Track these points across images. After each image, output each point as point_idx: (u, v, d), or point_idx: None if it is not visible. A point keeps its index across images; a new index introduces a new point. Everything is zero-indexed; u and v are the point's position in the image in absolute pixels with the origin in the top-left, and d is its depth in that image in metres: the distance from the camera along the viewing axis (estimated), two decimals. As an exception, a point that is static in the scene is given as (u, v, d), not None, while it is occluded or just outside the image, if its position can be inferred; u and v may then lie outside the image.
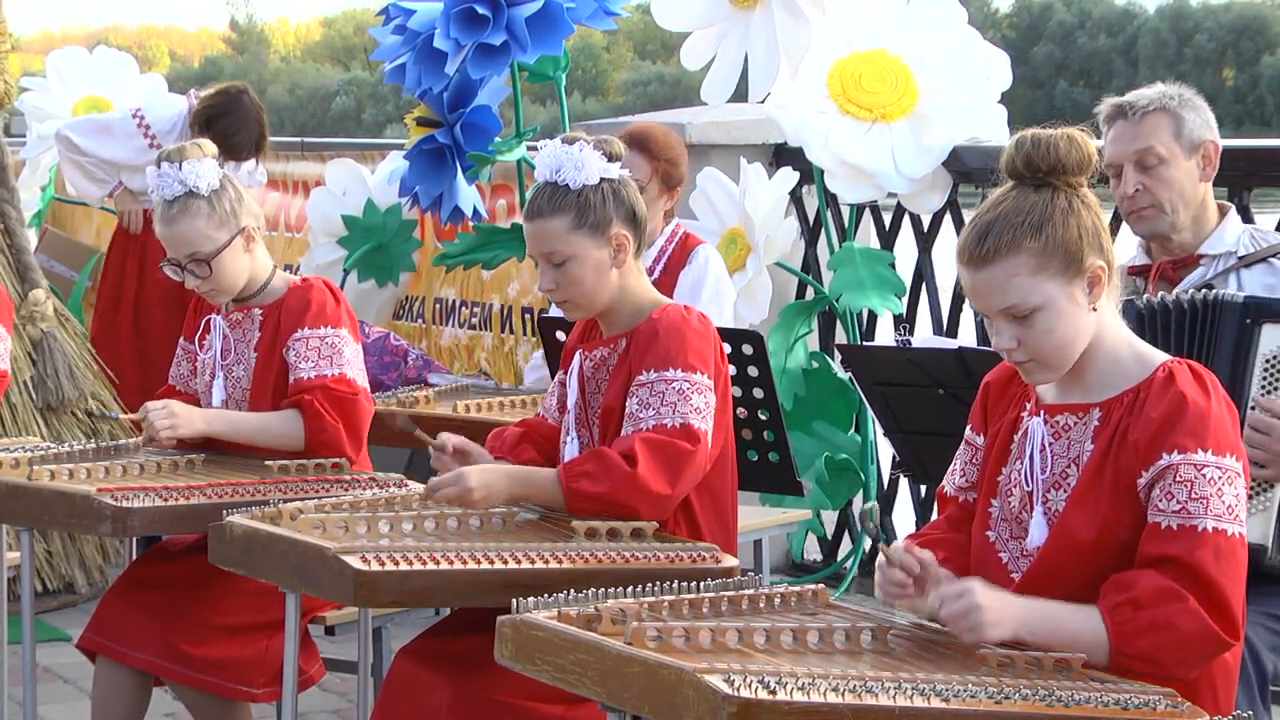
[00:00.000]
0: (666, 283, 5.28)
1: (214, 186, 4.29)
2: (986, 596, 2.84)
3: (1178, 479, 2.86)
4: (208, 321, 4.46)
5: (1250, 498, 3.58)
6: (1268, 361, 3.65)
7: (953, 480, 3.21)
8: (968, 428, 3.20)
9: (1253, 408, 3.63)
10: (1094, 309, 2.96)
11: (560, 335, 4.53)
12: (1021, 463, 3.04)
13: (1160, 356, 3.00)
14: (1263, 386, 3.65)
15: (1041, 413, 3.03)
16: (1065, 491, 2.98)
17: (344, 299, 4.42)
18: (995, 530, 3.08)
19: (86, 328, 7.45)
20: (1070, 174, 2.96)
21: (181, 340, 4.60)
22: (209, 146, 4.36)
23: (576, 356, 3.87)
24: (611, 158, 3.77)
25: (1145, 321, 3.71)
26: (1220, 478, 2.87)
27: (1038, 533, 2.99)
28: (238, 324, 4.42)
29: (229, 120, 6.87)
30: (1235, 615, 2.87)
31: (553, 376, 4.68)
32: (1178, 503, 2.86)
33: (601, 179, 3.74)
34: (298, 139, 9.00)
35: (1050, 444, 3.00)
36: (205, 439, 4.32)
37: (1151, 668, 2.83)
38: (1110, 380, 2.99)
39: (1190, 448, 2.87)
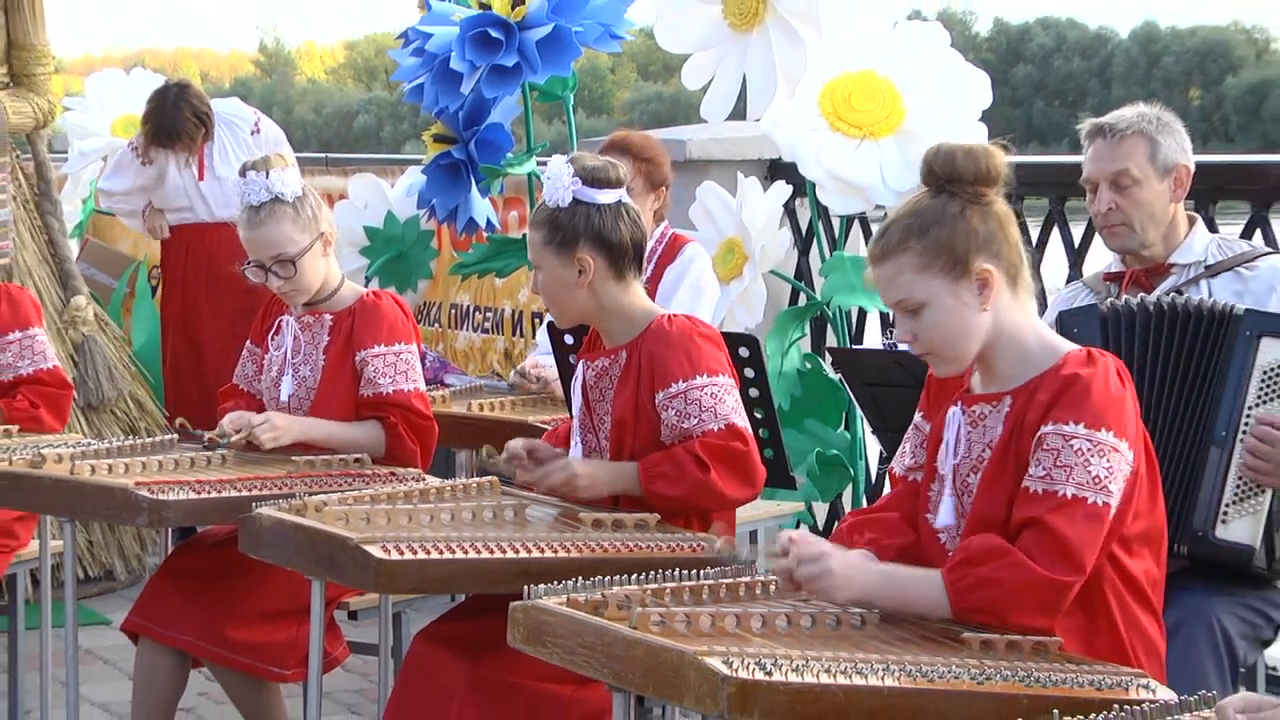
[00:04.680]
0: (657, 281, 5.30)
1: (298, 194, 4.33)
2: (839, 564, 2.91)
3: (1045, 447, 2.87)
4: (279, 322, 4.48)
5: (1242, 500, 3.58)
6: (1265, 374, 3.61)
7: (902, 461, 3.24)
8: (917, 413, 3.22)
9: (1248, 418, 3.61)
10: (985, 309, 2.96)
11: (568, 339, 4.52)
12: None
13: (1068, 346, 3.00)
14: (1259, 397, 3.62)
15: (959, 402, 3.05)
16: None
17: (409, 310, 4.47)
18: (933, 513, 3.10)
19: (125, 332, 7.44)
20: (968, 183, 2.98)
21: (249, 344, 4.62)
22: (290, 156, 4.40)
23: (580, 365, 3.85)
24: (599, 184, 3.70)
25: (1141, 322, 3.69)
26: (1089, 450, 2.85)
27: (945, 514, 3.03)
28: (308, 326, 4.43)
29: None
30: (1079, 558, 2.83)
31: (561, 380, 4.67)
32: (1043, 469, 2.87)
33: (576, 201, 3.70)
34: (322, 155, 9.04)
35: (969, 431, 3.02)
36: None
37: (992, 619, 2.85)
38: (1020, 370, 3.00)
39: (1063, 419, 2.87)
